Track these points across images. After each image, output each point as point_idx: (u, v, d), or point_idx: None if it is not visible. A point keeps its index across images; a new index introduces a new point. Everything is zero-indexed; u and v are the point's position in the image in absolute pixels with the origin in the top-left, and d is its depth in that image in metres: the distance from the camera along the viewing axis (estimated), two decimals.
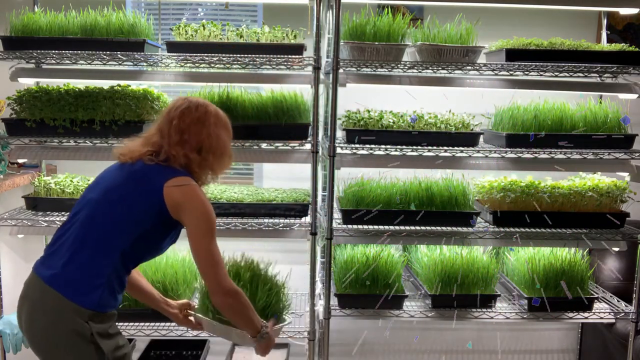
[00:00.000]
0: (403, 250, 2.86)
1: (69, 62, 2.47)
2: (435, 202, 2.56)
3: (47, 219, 2.51)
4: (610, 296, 2.76)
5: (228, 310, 1.76)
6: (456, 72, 2.53)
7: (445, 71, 2.52)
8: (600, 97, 2.90)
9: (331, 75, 2.41)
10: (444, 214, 2.54)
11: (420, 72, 2.53)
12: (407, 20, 2.56)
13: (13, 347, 2.38)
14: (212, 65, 2.47)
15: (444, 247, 2.67)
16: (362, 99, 2.75)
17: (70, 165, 2.94)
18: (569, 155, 2.52)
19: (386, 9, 2.58)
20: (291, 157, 2.55)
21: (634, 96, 2.65)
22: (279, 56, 2.45)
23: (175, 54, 2.46)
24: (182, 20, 2.58)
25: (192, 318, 1.98)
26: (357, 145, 2.47)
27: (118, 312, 1.77)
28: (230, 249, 2.06)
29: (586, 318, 2.63)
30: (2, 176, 2.65)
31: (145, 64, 2.50)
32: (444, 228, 2.52)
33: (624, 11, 2.76)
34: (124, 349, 1.75)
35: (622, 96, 2.68)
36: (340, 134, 2.56)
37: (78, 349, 1.64)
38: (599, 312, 2.63)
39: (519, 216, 2.55)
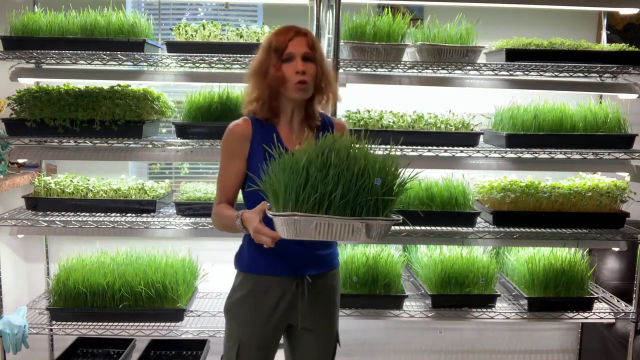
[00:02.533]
0: (403, 250, 2.86)
1: (69, 62, 2.47)
2: (435, 202, 2.56)
3: (47, 219, 2.51)
4: (610, 296, 2.77)
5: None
6: (456, 72, 2.53)
7: (445, 71, 2.52)
8: (600, 97, 2.90)
9: None
10: (444, 214, 2.54)
11: (420, 72, 2.54)
12: (407, 20, 2.56)
13: (13, 347, 2.38)
14: (212, 65, 2.47)
15: (444, 247, 2.67)
16: (362, 99, 2.75)
17: (70, 165, 2.94)
18: (569, 155, 2.52)
19: (386, 9, 2.58)
20: None
21: (634, 96, 2.65)
22: None
23: (175, 54, 2.46)
24: (182, 20, 2.58)
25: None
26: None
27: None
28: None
29: (586, 318, 2.63)
30: (2, 176, 2.65)
31: (145, 64, 2.50)
32: (444, 228, 2.53)
33: (624, 11, 2.76)
34: None
35: (622, 96, 2.68)
36: None
37: None
38: (599, 312, 2.63)
39: (519, 216, 2.55)
